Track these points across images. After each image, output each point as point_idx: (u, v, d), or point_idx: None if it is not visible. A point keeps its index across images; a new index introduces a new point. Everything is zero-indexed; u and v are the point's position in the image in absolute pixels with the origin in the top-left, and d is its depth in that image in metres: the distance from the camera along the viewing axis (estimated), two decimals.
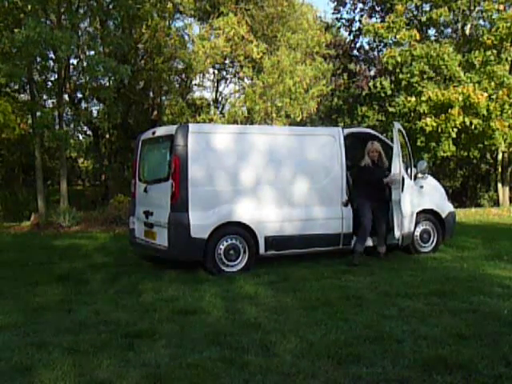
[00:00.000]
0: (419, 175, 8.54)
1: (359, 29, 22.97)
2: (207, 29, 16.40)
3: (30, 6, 13.29)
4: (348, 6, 23.94)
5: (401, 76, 19.24)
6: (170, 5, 16.20)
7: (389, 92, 20.16)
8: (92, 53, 14.57)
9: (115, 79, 14.10)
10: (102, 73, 13.39)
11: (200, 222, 7.14)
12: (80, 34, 15.43)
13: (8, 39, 12.13)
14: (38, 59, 13.60)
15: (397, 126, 8.14)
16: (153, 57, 17.56)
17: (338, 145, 8.14)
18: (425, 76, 18.92)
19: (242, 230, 7.41)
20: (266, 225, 7.54)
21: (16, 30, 12.06)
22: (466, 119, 17.66)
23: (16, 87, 16.90)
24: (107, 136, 21.14)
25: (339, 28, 25.16)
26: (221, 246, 7.28)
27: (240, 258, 7.39)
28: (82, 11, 14.76)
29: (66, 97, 16.97)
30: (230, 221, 7.36)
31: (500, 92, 17.74)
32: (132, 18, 15.42)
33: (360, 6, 23.63)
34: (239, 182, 7.49)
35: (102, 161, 21.13)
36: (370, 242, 8.27)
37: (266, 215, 7.56)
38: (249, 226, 7.42)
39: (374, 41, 22.17)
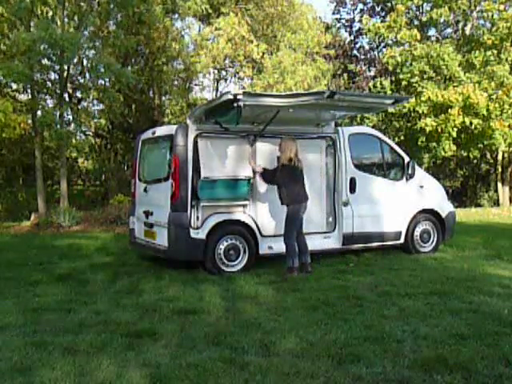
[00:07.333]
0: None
1: (359, 29, 22.96)
2: (209, 29, 16.39)
3: (39, 8, 13.31)
4: (348, 6, 23.96)
5: (401, 76, 19.23)
6: (172, 7, 16.23)
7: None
8: (93, 52, 14.55)
9: (120, 82, 14.09)
10: (105, 74, 13.38)
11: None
12: (85, 34, 15.41)
13: (18, 38, 12.11)
14: (42, 59, 13.59)
15: None
16: (154, 57, 17.55)
17: (338, 145, 8.13)
18: (425, 76, 18.91)
19: (242, 230, 7.41)
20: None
21: (22, 32, 12.09)
22: (466, 119, 17.65)
23: (15, 87, 16.87)
24: (107, 136, 21.14)
25: (339, 28, 25.17)
26: (221, 246, 7.27)
27: (240, 258, 7.38)
28: (86, 9, 14.73)
29: (66, 96, 16.95)
30: (229, 219, 7.35)
31: (500, 92, 17.74)
32: (138, 20, 15.42)
33: (360, 6, 23.65)
34: None
35: (102, 161, 21.12)
36: None
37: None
38: (249, 225, 7.42)
39: (375, 41, 22.17)
